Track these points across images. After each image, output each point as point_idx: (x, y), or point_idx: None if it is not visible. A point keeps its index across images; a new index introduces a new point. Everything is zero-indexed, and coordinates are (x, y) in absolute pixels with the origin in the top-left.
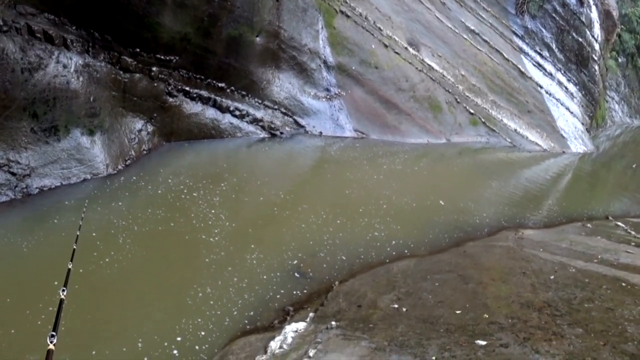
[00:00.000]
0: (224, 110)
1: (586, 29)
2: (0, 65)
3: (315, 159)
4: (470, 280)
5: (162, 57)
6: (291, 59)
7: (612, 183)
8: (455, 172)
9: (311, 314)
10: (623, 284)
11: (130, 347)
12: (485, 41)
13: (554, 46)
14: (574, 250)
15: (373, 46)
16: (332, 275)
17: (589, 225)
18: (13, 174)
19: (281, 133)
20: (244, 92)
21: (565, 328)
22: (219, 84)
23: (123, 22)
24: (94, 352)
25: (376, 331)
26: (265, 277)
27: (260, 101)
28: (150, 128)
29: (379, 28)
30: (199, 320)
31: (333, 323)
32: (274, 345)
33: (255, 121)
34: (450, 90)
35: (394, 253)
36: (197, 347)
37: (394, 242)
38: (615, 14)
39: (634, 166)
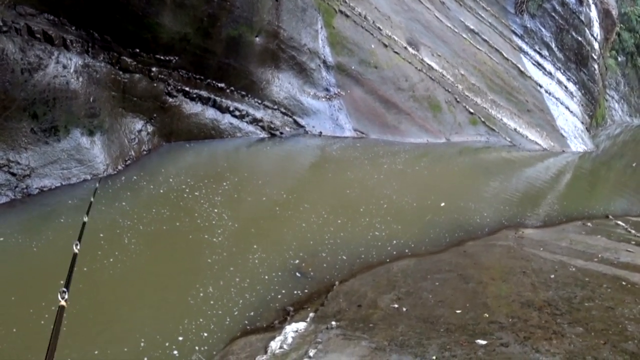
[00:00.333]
0: (223, 110)
1: (585, 28)
2: (0, 66)
3: (315, 159)
4: (471, 280)
5: (162, 57)
6: (291, 59)
7: (612, 182)
8: (456, 171)
9: (311, 314)
10: (623, 283)
11: (132, 347)
12: (485, 40)
13: (553, 45)
14: (574, 249)
15: (372, 46)
16: (333, 275)
17: (589, 224)
18: (13, 174)
19: (281, 133)
20: (243, 92)
21: (566, 327)
22: (219, 84)
23: (123, 22)
24: (96, 352)
25: (376, 331)
26: (266, 277)
27: (259, 101)
28: (150, 128)
29: (379, 28)
30: (201, 320)
31: (333, 323)
32: (274, 345)
33: (255, 121)
34: (449, 90)
35: (394, 253)
36: (197, 348)
37: (394, 241)
38: (614, 12)
39: (634, 165)
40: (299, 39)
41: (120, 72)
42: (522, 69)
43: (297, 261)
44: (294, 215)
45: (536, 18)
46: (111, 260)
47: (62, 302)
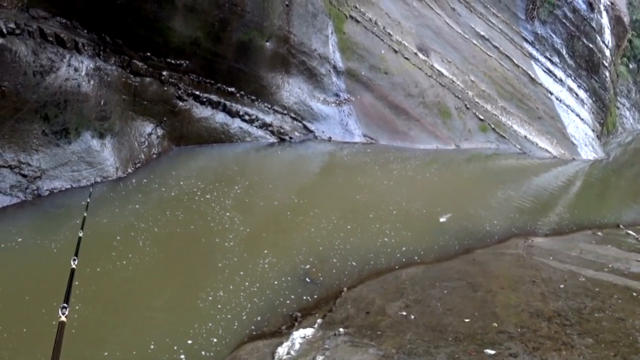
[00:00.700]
0: (233, 114)
1: (597, 35)
2: (13, 68)
3: (325, 164)
4: (480, 288)
5: (173, 61)
6: (301, 64)
7: (623, 191)
8: (465, 178)
9: (319, 320)
10: (634, 294)
11: (142, 350)
12: (495, 47)
13: (564, 52)
14: (584, 258)
15: (383, 51)
16: (342, 281)
17: (599, 233)
18: (24, 175)
19: (290, 138)
20: (253, 97)
21: (575, 338)
22: (229, 89)
23: (134, 26)
24: (105, 353)
25: (384, 338)
26: (275, 282)
27: (269, 106)
28: (160, 132)
29: (389, 33)
30: (210, 324)
31: (341, 329)
32: (282, 351)
33: (264, 126)
34: (459, 96)
35: (403, 259)
36: (203, 353)
37: (403, 248)
38: (626, 19)
39: None
40: (310, 44)
41: (131, 76)
42: (533, 75)
43: (307, 266)
44: (304, 221)
45: (547, 25)
46: (124, 262)
47: (63, 318)
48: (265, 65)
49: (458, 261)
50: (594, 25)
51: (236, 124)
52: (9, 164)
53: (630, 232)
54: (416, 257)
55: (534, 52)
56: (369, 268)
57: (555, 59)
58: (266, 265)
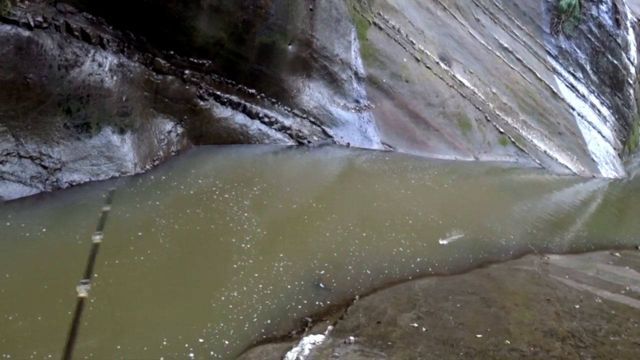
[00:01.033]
0: (253, 116)
1: (622, 52)
2: (39, 61)
3: (343, 170)
4: (493, 304)
5: (195, 60)
6: (322, 69)
7: None
8: (483, 191)
9: (330, 327)
10: None
11: (153, 345)
12: (519, 60)
13: (588, 68)
14: (601, 279)
15: (405, 60)
16: (355, 289)
17: (617, 254)
18: (44, 167)
19: (309, 142)
20: (273, 100)
21: None
22: (250, 90)
23: (159, 24)
24: (118, 347)
25: (395, 349)
26: (289, 285)
27: (289, 109)
28: (179, 130)
29: (411, 42)
30: (222, 324)
31: (351, 338)
32: (291, 356)
33: (283, 129)
34: (480, 108)
35: (417, 270)
36: (212, 353)
37: (418, 259)
38: None
39: None
40: (332, 49)
41: (154, 73)
42: (555, 90)
43: (321, 272)
44: (320, 226)
45: (572, 39)
46: (141, 257)
47: (83, 294)
48: (287, 69)
49: (472, 275)
50: (620, 42)
51: (255, 125)
52: (30, 154)
53: None
54: (430, 269)
55: (558, 67)
56: (383, 277)
57: (579, 74)
58: (281, 269)
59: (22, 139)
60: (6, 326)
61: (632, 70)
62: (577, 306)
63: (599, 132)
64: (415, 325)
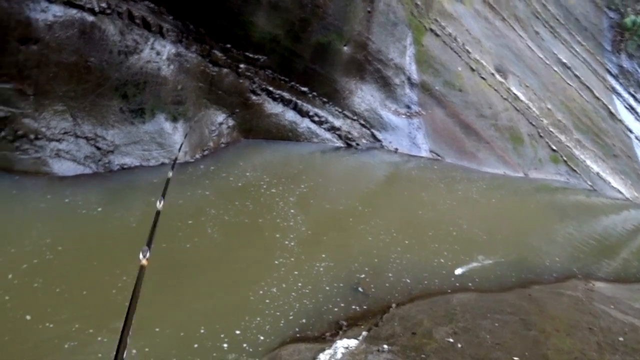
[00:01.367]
0: (303, 114)
1: None
2: (100, 46)
3: (390, 175)
4: (533, 327)
5: (251, 55)
6: (376, 72)
7: None
8: (531, 209)
9: (364, 333)
10: None
11: (190, 332)
12: (576, 76)
13: None
14: None
15: (459, 68)
16: (392, 296)
17: None
18: (98, 148)
19: (357, 144)
20: (325, 99)
21: None
22: (302, 88)
23: (218, 17)
24: (157, 329)
25: None
26: (327, 287)
27: (340, 110)
28: (230, 122)
29: (467, 50)
30: (258, 318)
31: (385, 346)
32: (323, 358)
33: (332, 129)
34: (533, 123)
35: (457, 284)
36: (245, 345)
37: (459, 272)
38: None
39: None
40: (387, 53)
41: (210, 65)
42: (613, 110)
43: (362, 276)
44: (364, 229)
45: (634, 58)
46: (188, 245)
47: (144, 261)
48: (341, 69)
49: (513, 294)
50: None
51: (305, 123)
52: (85, 135)
53: None
54: (470, 284)
55: (617, 86)
56: (422, 287)
57: None
58: (321, 269)
59: (79, 120)
60: (72, 296)
61: None
62: (621, 339)
63: None
64: (451, 340)
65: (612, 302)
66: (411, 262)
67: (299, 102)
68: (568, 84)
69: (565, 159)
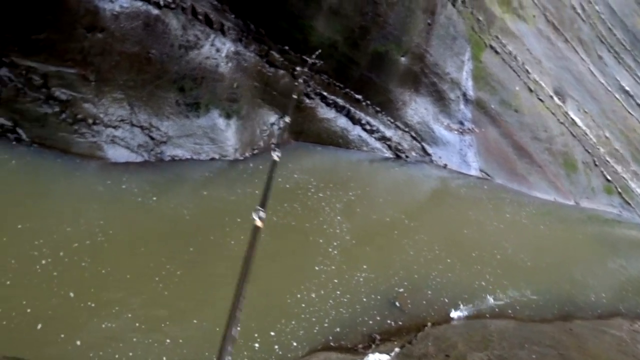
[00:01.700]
0: (355, 121)
1: None
2: (162, 39)
3: (438, 191)
4: None
5: (308, 59)
6: (431, 85)
7: None
8: (579, 239)
9: (397, 349)
10: None
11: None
12: (639, 105)
13: None
14: None
15: (517, 88)
16: (429, 314)
17: None
18: (152, 138)
19: (406, 156)
20: (378, 109)
21: None
22: (356, 96)
23: (279, 19)
24: (195, 321)
25: None
26: (365, 298)
27: (392, 120)
28: (282, 124)
29: (527, 70)
30: (293, 322)
31: None
32: None
33: (383, 139)
34: (589, 151)
35: (496, 310)
36: (276, 347)
37: (499, 298)
38: None
39: None
40: (444, 67)
41: (267, 65)
42: None
43: (401, 290)
44: (407, 244)
45: None
46: (232, 242)
47: (258, 222)
48: (396, 80)
49: (553, 326)
50: None
51: (356, 131)
52: (141, 124)
53: None
54: (510, 311)
55: None
56: (459, 309)
57: None
58: (361, 279)
59: (136, 109)
60: (117, 280)
61: None
62: None
63: None
64: None
65: None
66: (451, 281)
67: (352, 109)
68: (629, 112)
69: (619, 190)
